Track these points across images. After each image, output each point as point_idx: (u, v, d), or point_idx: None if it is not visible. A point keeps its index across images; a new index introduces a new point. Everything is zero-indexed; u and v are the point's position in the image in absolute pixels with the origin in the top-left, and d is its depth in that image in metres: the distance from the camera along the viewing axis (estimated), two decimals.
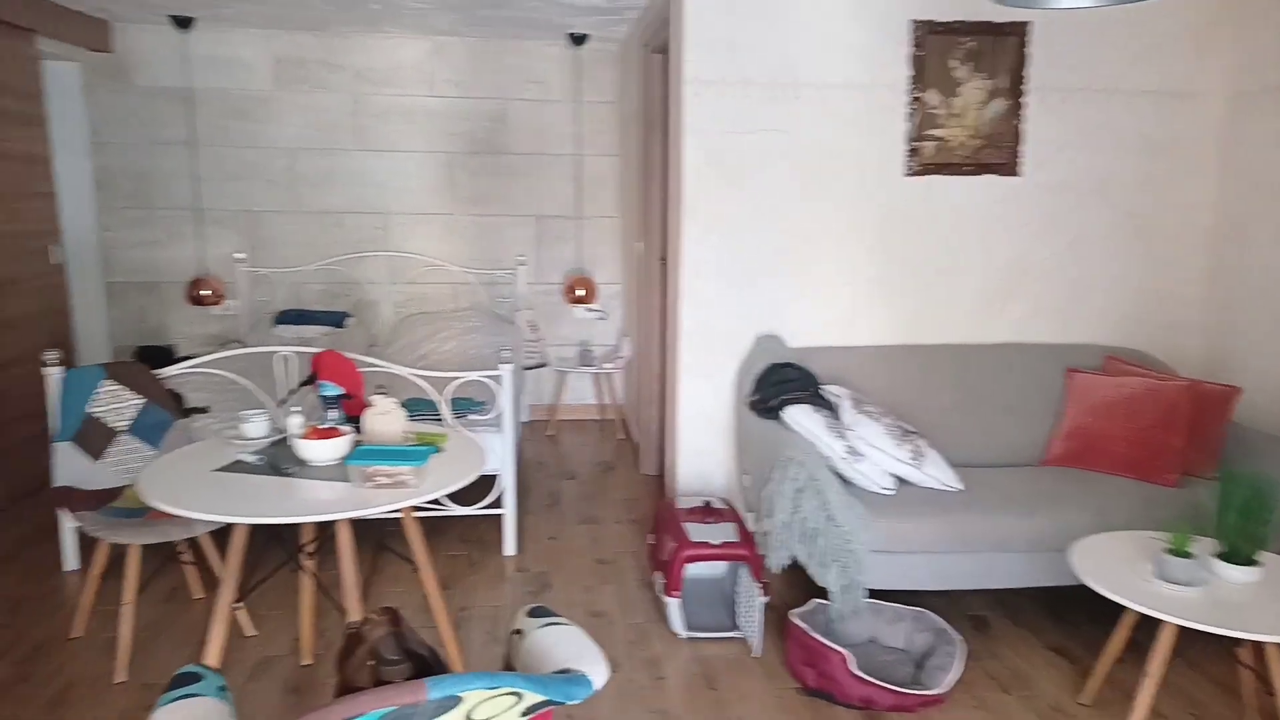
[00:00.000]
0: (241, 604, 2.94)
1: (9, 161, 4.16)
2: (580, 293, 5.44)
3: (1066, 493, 2.96)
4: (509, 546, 3.61)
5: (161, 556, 3.45)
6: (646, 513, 4.12)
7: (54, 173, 4.56)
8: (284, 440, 2.49)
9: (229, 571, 2.20)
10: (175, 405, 3.05)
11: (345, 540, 2.21)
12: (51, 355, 3.12)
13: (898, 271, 3.60)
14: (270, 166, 5.31)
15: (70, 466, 2.79)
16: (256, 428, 2.50)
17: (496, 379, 3.49)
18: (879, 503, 2.84)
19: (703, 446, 3.63)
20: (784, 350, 3.46)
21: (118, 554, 3.25)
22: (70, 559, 3.36)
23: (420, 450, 2.25)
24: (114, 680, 2.62)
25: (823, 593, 2.81)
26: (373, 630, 1.51)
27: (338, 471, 2.24)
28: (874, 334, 3.64)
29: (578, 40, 5.28)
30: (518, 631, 1.60)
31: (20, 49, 4.25)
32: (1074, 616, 3.14)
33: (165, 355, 5.15)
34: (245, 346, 3.64)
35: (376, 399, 2.47)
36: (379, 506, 2.04)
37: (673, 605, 2.92)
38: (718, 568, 3.29)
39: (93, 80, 5.06)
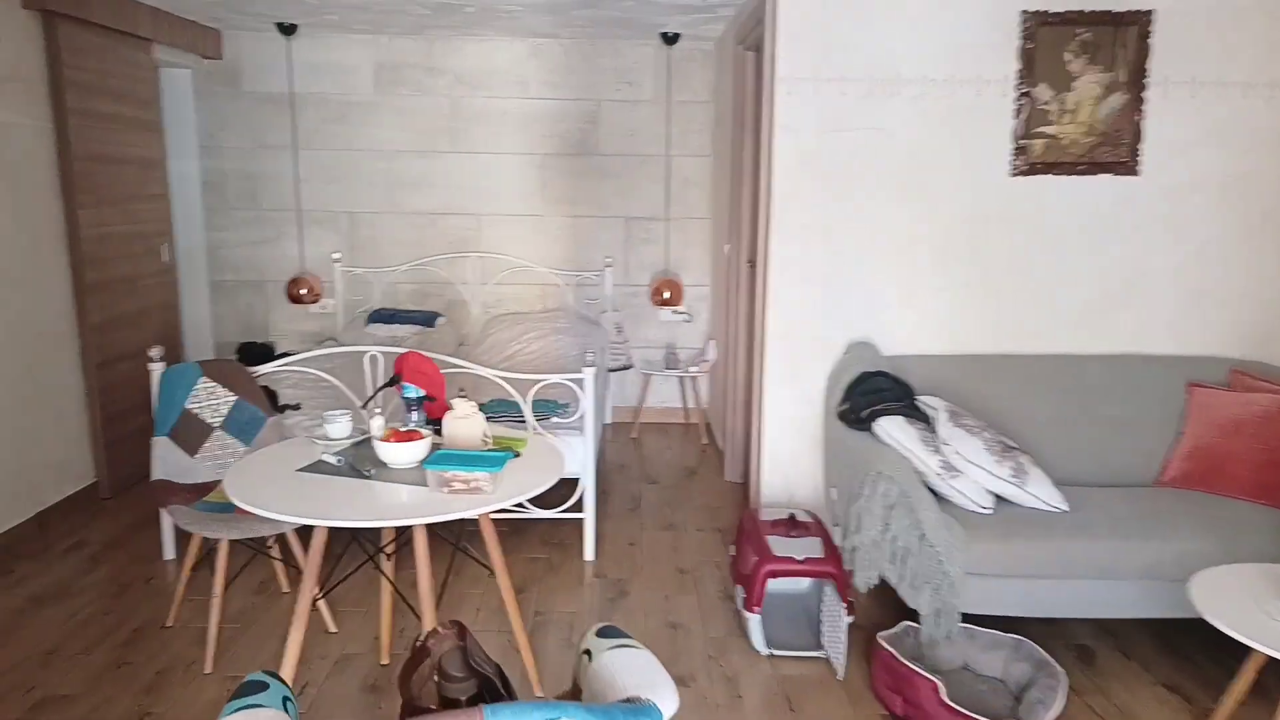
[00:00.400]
0: (320, 597, 2.99)
1: (129, 165, 4.36)
2: (666, 295, 5.38)
3: (1186, 517, 2.73)
4: (588, 551, 3.58)
5: (253, 548, 3.55)
6: (729, 521, 4.02)
7: (167, 175, 4.77)
8: (366, 441, 2.50)
9: (308, 574, 2.22)
10: (268, 402, 3.12)
11: (421, 546, 2.20)
12: (154, 351, 3.24)
13: (1001, 276, 3.41)
14: (369, 169, 5.43)
15: (168, 460, 2.88)
16: (339, 428, 2.52)
17: (579, 382, 3.46)
18: (976, 522, 2.68)
19: (789, 455, 3.52)
20: (877, 358, 3.31)
21: (210, 546, 3.36)
22: (169, 548, 3.49)
23: (497, 456, 2.22)
24: (203, 670, 2.70)
25: (913, 614, 2.68)
26: (439, 644, 1.48)
27: (416, 475, 2.24)
28: (974, 342, 3.45)
29: (670, 40, 5.22)
30: (586, 652, 1.54)
31: (141, 59, 4.46)
32: (1191, 652, 2.90)
33: (266, 352, 5.34)
34: (339, 344, 3.71)
35: (456, 402, 2.46)
36: (454, 513, 2.02)
37: (753, 621, 2.83)
38: (801, 584, 3.17)
39: (203, 86, 5.27)
